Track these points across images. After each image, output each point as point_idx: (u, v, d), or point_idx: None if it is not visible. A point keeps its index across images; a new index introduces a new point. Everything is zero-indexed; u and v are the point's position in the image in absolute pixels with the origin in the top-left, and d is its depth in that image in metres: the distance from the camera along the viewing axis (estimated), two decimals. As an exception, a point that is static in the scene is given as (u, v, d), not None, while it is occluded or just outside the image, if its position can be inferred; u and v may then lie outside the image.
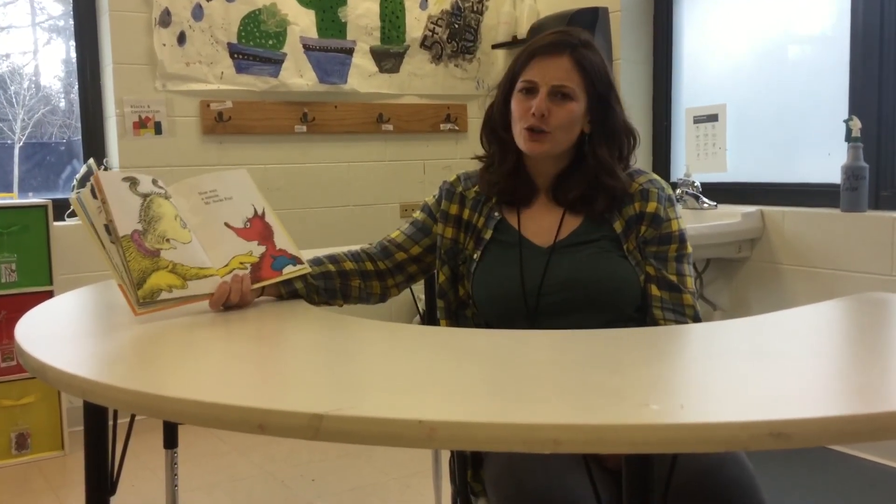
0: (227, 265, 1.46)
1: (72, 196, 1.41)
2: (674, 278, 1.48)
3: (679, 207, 1.56)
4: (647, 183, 1.52)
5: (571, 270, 1.46)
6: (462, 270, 1.56)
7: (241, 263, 1.48)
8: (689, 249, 1.53)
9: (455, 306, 1.58)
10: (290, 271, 1.50)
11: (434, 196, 1.63)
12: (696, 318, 1.48)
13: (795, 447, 0.75)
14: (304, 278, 1.52)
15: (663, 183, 1.55)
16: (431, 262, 1.62)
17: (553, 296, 1.46)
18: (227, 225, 1.51)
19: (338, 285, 1.56)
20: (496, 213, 1.55)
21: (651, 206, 1.49)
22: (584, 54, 1.47)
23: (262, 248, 1.51)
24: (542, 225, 1.53)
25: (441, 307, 1.58)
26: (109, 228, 1.35)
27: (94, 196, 1.36)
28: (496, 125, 1.55)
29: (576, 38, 1.48)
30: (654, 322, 1.47)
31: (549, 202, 1.54)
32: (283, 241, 1.54)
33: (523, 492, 1.25)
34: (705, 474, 1.22)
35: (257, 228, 1.54)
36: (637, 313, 1.48)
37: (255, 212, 1.56)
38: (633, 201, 1.50)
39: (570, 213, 1.52)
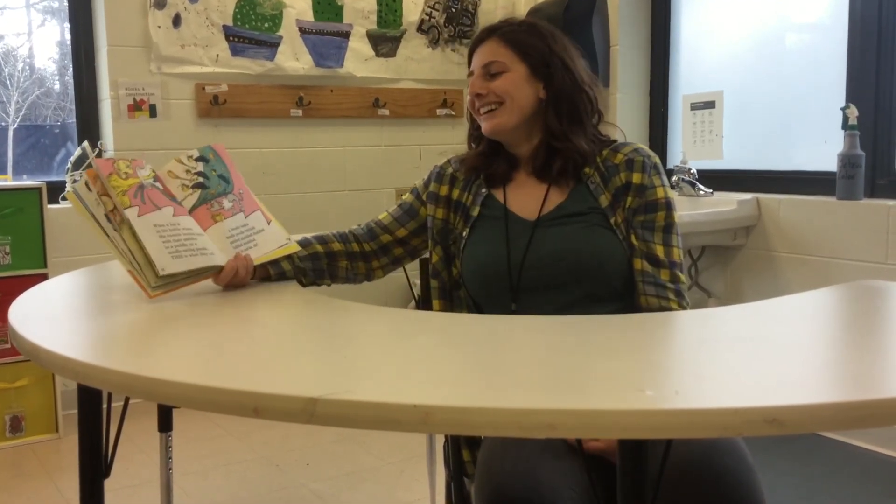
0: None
1: (68, 191, 1.41)
2: (660, 250, 1.46)
3: (665, 176, 1.54)
4: (632, 153, 1.52)
5: (556, 244, 1.47)
6: (453, 250, 1.58)
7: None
8: (676, 219, 1.51)
9: (449, 286, 1.59)
10: (280, 249, 1.51)
11: (423, 179, 1.66)
12: (679, 294, 1.46)
13: (789, 433, 0.76)
14: (291, 260, 1.54)
15: (649, 151, 1.53)
16: (417, 245, 1.65)
17: (537, 270, 1.47)
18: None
19: (325, 265, 1.59)
20: (483, 190, 1.58)
21: (636, 177, 1.49)
22: (508, 31, 1.55)
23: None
24: (528, 199, 1.54)
25: (435, 287, 1.60)
26: (110, 218, 1.35)
27: (90, 188, 1.37)
28: (469, 116, 1.63)
29: (503, 23, 1.58)
30: (638, 297, 1.47)
31: (532, 177, 1.56)
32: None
33: (490, 481, 1.25)
34: (700, 462, 1.23)
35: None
36: (624, 288, 1.48)
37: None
38: (619, 172, 1.50)
39: (555, 187, 1.53)
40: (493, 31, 1.56)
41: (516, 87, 1.51)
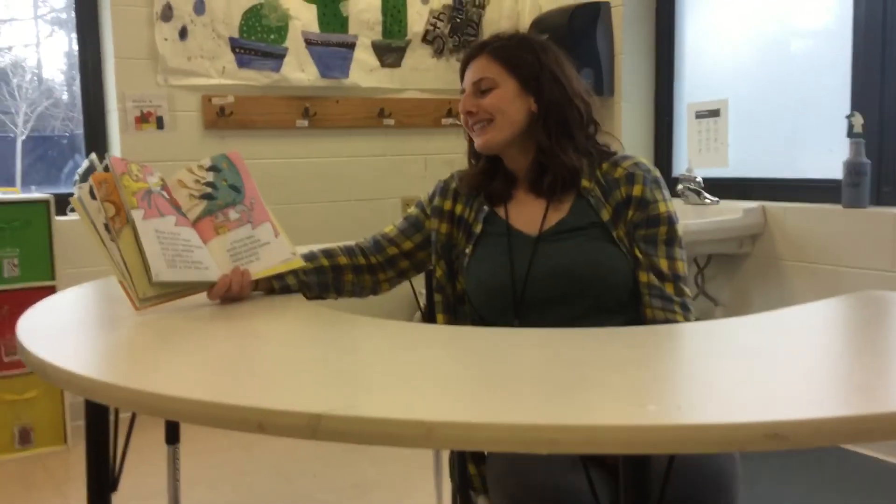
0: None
1: (72, 198, 1.42)
2: (664, 264, 1.46)
3: (667, 190, 1.54)
4: (632, 167, 1.51)
5: (558, 259, 1.47)
6: (457, 266, 1.58)
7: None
8: (680, 232, 1.51)
9: (453, 301, 1.59)
10: (283, 264, 1.51)
11: (428, 193, 1.66)
12: (685, 307, 1.46)
13: (792, 448, 0.76)
14: (296, 274, 1.54)
15: (649, 165, 1.53)
16: (423, 258, 1.65)
17: (540, 285, 1.47)
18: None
19: (330, 280, 1.59)
20: (485, 207, 1.57)
21: (637, 190, 1.49)
22: (498, 46, 1.54)
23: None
24: (529, 215, 1.54)
25: (439, 301, 1.60)
26: (109, 227, 1.36)
27: (93, 196, 1.37)
28: (466, 133, 1.62)
29: (493, 38, 1.57)
30: (644, 309, 1.47)
31: (531, 193, 1.56)
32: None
33: (527, 489, 1.25)
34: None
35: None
36: (630, 301, 1.48)
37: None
38: (619, 186, 1.50)
39: (555, 202, 1.53)
40: (483, 47, 1.55)
41: (506, 103, 1.51)
